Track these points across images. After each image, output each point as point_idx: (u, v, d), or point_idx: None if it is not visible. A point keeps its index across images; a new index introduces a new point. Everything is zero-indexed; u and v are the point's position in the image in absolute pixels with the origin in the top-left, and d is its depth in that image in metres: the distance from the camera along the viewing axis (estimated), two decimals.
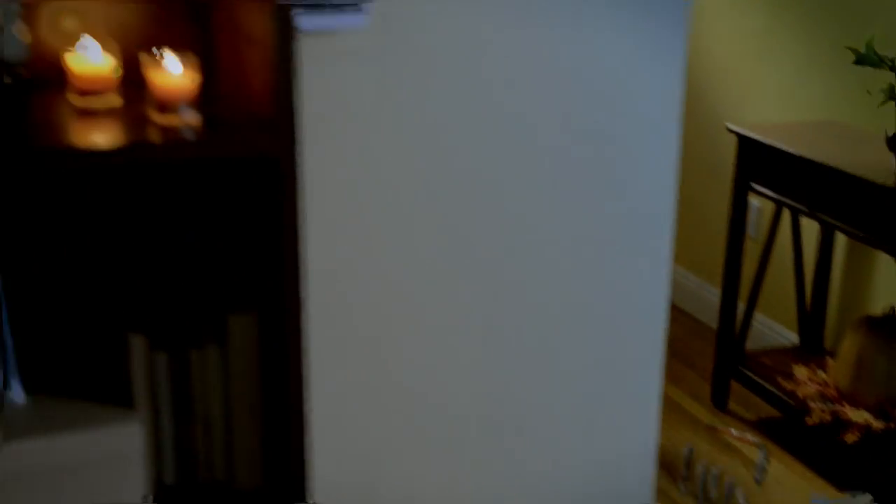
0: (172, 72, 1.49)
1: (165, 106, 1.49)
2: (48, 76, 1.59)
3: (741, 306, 3.15)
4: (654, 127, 2.17)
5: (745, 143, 3.01)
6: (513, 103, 2.05)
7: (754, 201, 3.28)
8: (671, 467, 2.80)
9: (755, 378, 3.05)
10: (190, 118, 1.50)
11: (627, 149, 2.16)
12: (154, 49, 1.51)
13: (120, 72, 1.57)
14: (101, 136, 1.49)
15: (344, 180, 1.94)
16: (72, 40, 1.57)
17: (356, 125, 1.92)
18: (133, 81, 1.60)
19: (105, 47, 1.57)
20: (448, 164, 2.04)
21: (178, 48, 1.58)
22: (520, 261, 2.15)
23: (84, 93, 1.55)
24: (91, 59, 1.55)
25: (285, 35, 1.44)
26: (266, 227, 1.56)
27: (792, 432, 2.99)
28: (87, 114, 1.55)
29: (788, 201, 2.93)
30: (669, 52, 2.13)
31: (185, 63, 1.50)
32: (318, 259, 1.70)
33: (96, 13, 1.66)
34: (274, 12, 1.43)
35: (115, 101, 1.57)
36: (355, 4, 1.75)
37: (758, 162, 2.99)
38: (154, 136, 1.47)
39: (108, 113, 1.55)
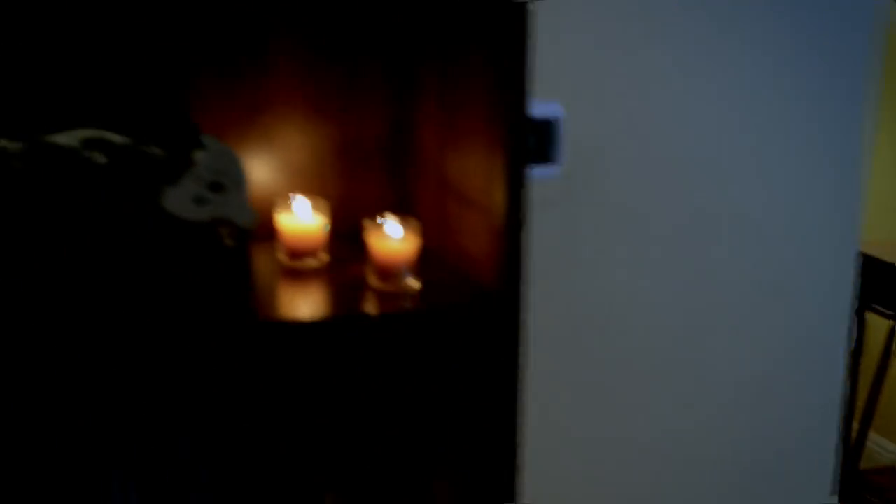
0: (393, 237, 1.46)
1: (385, 273, 1.45)
2: (256, 231, 1.56)
3: (854, 425, 3.09)
4: (831, 277, 2.19)
5: (864, 261, 2.97)
6: (692, 245, 2.05)
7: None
8: None
9: (871, 499, 2.98)
10: (410, 284, 1.46)
11: (804, 296, 2.19)
12: (379, 217, 1.48)
13: (328, 227, 1.55)
14: (316, 306, 1.44)
15: (548, 332, 1.91)
16: (282, 199, 1.55)
17: (552, 272, 1.90)
18: (338, 234, 1.58)
19: (314, 206, 1.54)
20: (634, 310, 2.04)
21: (377, 202, 1.56)
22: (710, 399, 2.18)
23: (295, 254, 1.52)
24: (301, 218, 1.53)
25: (517, 195, 1.36)
26: (480, 387, 1.51)
27: None
28: (298, 274, 1.51)
29: None
30: (847, 196, 2.14)
31: (406, 227, 1.47)
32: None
33: (299, 169, 1.64)
34: (505, 169, 1.35)
35: (324, 258, 1.54)
36: (551, 160, 1.75)
37: (877, 280, 2.95)
38: (371, 305, 1.42)
39: (319, 273, 1.52)
